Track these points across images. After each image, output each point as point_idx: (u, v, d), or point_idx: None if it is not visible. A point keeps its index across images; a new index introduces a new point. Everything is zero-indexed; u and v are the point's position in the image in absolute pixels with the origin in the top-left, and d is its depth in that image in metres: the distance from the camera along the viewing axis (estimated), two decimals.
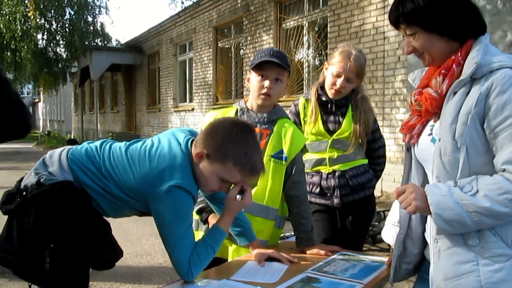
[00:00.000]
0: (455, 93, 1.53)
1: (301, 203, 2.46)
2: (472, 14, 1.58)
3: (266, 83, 2.37)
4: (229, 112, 2.51)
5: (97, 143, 2.02)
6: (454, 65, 1.57)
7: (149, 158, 1.87)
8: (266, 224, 2.44)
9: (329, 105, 2.89)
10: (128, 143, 2.01)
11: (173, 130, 2.03)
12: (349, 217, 2.96)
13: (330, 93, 2.84)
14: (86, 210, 1.87)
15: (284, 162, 2.41)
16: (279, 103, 2.57)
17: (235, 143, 1.82)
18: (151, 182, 1.81)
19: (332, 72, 2.80)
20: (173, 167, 1.82)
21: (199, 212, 2.41)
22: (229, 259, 2.39)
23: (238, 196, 1.92)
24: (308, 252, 2.39)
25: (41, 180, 1.85)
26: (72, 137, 19.56)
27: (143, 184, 1.84)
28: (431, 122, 1.67)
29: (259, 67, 2.38)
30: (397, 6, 1.61)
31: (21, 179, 1.94)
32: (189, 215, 1.86)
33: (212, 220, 2.32)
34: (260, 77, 2.39)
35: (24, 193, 1.84)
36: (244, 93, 11.48)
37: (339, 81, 2.77)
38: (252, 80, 2.43)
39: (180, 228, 1.81)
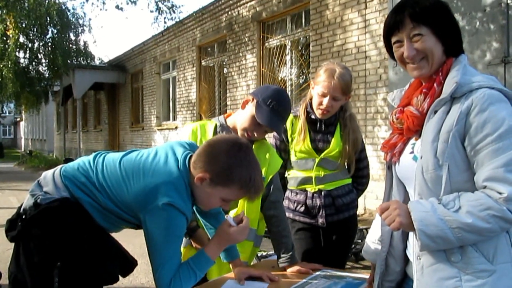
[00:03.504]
0: (435, 112, 1.56)
1: (280, 222, 2.47)
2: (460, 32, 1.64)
3: (256, 132, 2.41)
4: (208, 126, 2.50)
5: (91, 156, 1.98)
6: (435, 84, 1.60)
7: (144, 171, 1.82)
8: (245, 246, 2.45)
9: (317, 124, 2.85)
10: (122, 154, 1.96)
11: (172, 143, 1.98)
12: (332, 236, 2.93)
13: (317, 113, 2.79)
14: (87, 224, 1.84)
15: None
16: None
17: (240, 168, 1.78)
18: (144, 197, 1.77)
19: (318, 92, 2.75)
20: (168, 184, 1.77)
21: None
22: (210, 277, 2.38)
23: (232, 222, 1.89)
24: (289, 270, 2.39)
25: (38, 200, 1.83)
26: (68, 157, 19.28)
27: (136, 198, 1.79)
28: (412, 140, 1.68)
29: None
30: (406, 4, 1.60)
31: (21, 205, 1.92)
32: (179, 237, 1.83)
33: (198, 240, 2.32)
34: (255, 123, 2.37)
35: (24, 216, 1.82)
36: (228, 111, 11.49)
37: (325, 100, 2.72)
38: (248, 114, 2.39)
39: (169, 249, 1.78)
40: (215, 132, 2.48)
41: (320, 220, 2.86)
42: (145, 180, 1.79)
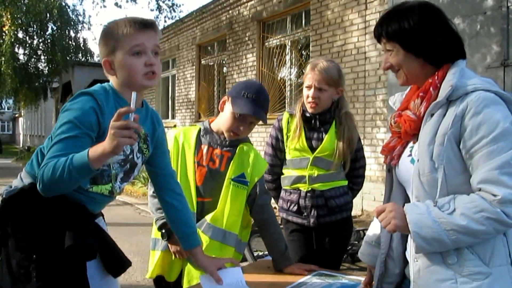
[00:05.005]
0: (432, 115, 1.56)
1: (271, 225, 2.46)
2: (451, 41, 1.61)
3: (240, 126, 2.38)
4: (192, 131, 2.50)
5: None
6: (431, 88, 1.60)
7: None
8: (223, 250, 2.36)
9: (312, 122, 2.86)
10: None
11: None
12: (325, 238, 2.91)
13: (308, 107, 2.83)
14: (56, 203, 1.74)
15: (245, 186, 2.40)
16: None
17: (110, 27, 1.82)
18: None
19: (305, 85, 2.84)
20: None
21: (160, 228, 2.38)
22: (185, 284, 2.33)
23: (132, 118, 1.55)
24: (285, 271, 2.38)
25: (3, 195, 1.80)
26: None
27: None
28: (410, 144, 1.69)
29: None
30: (382, 23, 1.65)
31: None
32: (82, 121, 1.66)
33: (175, 242, 2.32)
34: (235, 118, 2.37)
35: None
36: None
37: (311, 92, 2.79)
38: (227, 113, 2.40)
39: (66, 131, 1.64)
40: (198, 136, 2.47)
41: (311, 220, 2.84)
42: None
